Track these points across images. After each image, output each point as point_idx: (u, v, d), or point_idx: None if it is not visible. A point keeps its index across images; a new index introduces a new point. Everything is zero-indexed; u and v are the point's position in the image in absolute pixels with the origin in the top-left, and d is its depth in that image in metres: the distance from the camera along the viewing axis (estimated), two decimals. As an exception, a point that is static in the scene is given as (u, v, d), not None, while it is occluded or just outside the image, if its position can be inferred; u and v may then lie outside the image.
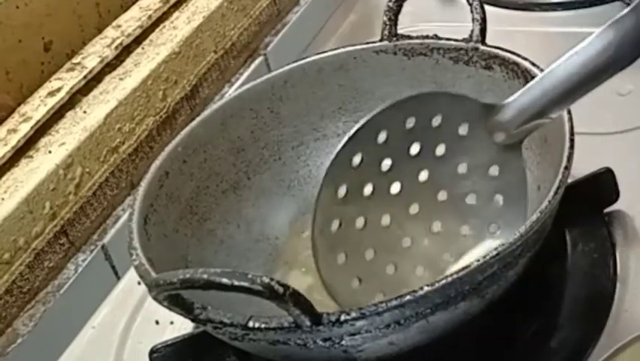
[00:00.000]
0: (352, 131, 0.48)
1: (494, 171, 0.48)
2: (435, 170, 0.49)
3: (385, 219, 0.50)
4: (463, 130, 0.48)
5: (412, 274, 0.49)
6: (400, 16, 0.55)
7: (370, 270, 0.49)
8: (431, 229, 0.50)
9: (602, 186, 0.52)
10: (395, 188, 0.50)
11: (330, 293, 0.47)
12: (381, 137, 0.48)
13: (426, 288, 0.37)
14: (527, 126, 0.46)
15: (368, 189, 0.49)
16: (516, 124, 0.46)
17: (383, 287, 0.48)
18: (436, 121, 0.48)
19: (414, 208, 0.50)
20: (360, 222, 0.49)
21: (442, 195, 0.50)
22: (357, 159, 0.48)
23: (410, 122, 0.48)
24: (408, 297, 0.37)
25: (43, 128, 0.62)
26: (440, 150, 0.49)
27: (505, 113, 0.46)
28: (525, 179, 0.48)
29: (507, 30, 0.51)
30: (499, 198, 0.48)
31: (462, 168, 0.49)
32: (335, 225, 0.49)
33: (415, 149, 0.49)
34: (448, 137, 0.48)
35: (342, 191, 0.48)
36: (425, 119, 0.48)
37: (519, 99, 0.45)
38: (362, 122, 0.48)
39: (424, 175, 0.50)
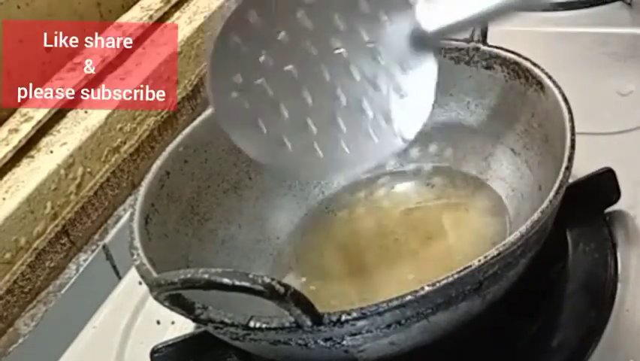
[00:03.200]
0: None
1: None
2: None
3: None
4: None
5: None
6: (401, 16, 0.55)
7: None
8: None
9: (602, 186, 0.52)
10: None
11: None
12: None
13: (427, 288, 0.37)
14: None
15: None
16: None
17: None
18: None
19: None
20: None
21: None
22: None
23: None
24: (409, 297, 0.37)
25: (44, 128, 0.62)
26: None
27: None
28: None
29: (508, 30, 0.51)
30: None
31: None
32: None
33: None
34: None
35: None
36: None
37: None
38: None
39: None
